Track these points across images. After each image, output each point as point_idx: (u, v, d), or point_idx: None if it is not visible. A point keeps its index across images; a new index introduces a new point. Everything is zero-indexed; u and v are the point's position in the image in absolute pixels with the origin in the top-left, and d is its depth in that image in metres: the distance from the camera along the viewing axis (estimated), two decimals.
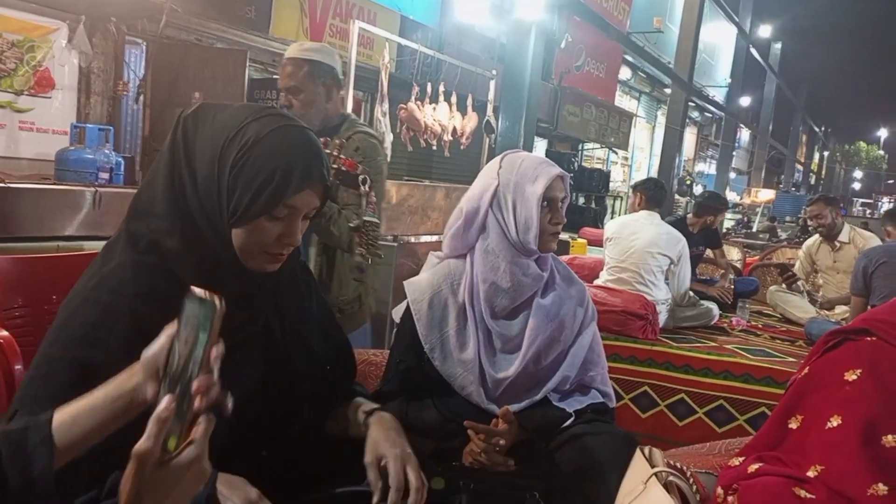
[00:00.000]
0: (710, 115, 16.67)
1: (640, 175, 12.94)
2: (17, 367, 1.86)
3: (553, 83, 8.43)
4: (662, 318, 3.14)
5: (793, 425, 1.12)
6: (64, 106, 4.30)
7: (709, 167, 17.45)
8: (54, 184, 3.28)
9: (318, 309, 1.20)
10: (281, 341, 1.10)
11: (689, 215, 3.93)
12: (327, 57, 2.09)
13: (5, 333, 1.83)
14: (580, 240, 5.78)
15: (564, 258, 4.21)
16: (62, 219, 3.15)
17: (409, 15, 6.39)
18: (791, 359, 2.81)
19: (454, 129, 4.73)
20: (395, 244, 3.45)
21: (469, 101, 5.02)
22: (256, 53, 5.41)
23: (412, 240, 3.87)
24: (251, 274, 1.00)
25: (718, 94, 15.22)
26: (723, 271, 4.07)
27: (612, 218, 10.21)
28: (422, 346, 1.45)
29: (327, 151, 2.02)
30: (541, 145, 9.40)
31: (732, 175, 17.45)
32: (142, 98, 4.74)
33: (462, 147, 4.99)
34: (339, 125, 2.13)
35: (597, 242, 5.47)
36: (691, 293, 3.40)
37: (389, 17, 6.09)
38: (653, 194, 3.34)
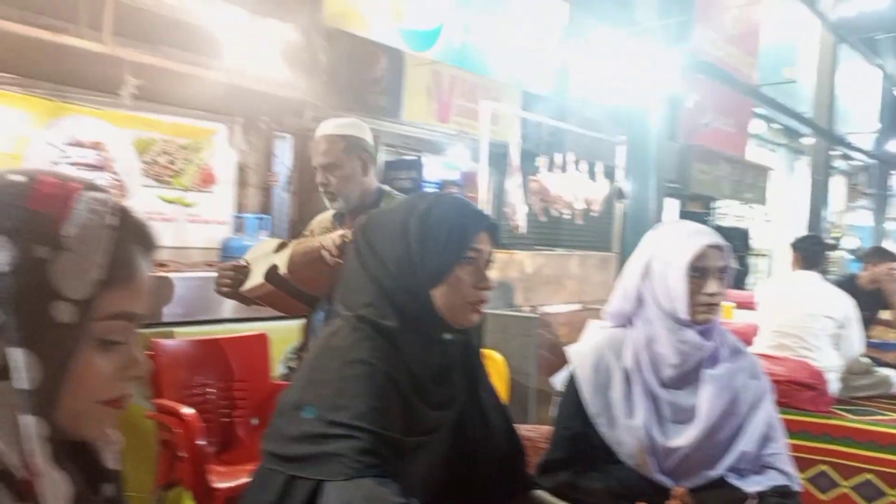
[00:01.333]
0: (860, 164, 15.50)
1: (781, 231, 12.16)
2: (201, 441, 2.01)
3: (680, 143, 8.24)
4: (833, 388, 2.87)
5: None
6: (223, 198, 4.74)
7: (863, 218, 16.09)
8: None
9: (490, 395, 1.25)
10: (469, 419, 1.16)
11: (863, 273, 3.63)
12: (361, 131, 2.09)
13: (191, 411, 2.00)
14: (725, 303, 5.47)
15: None
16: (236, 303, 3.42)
17: (530, 89, 6.54)
18: None
19: (585, 198, 4.72)
20: (535, 315, 3.42)
21: (597, 168, 5.00)
22: (389, 138, 5.73)
23: (549, 310, 3.83)
24: (448, 350, 1.11)
25: (866, 140, 14.18)
26: None
27: (754, 278, 9.59)
28: (587, 411, 1.44)
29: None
30: (672, 206, 9.13)
31: (891, 225, 15.94)
32: (290, 187, 5.15)
33: (593, 214, 4.95)
34: (377, 200, 2.10)
35: (744, 305, 5.15)
36: (866, 359, 3.09)
37: (511, 93, 6.27)
38: (811, 252, 3.13)
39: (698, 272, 1.38)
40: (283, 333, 2.66)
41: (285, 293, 1.96)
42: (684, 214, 8.66)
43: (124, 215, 0.63)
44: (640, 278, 1.43)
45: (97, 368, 0.60)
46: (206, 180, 4.66)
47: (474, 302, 1.10)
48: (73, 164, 4.05)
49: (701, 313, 1.39)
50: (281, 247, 2.03)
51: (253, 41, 4.09)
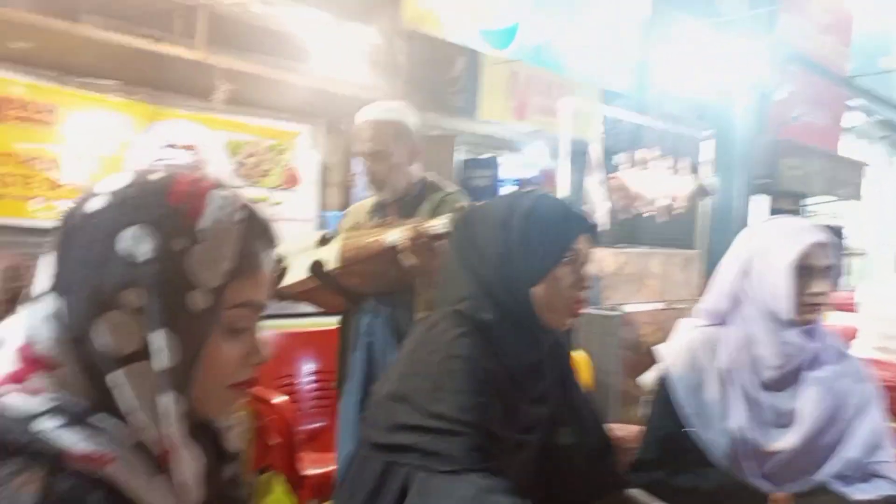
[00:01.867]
0: None
1: (878, 229, 11.44)
2: (293, 429, 2.09)
3: (769, 137, 7.89)
4: None
5: None
6: (307, 197, 4.89)
7: None
8: None
9: (582, 389, 1.26)
10: (559, 416, 1.16)
11: None
12: (408, 117, 1.98)
13: (283, 399, 2.09)
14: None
15: None
16: None
17: (610, 86, 6.43)
18: None
19: (668, 195, 4.59)
20: (618, 313, 3.36)
21: (681, 164, 4.86)
22: (467, 137, 5.76)
23: (630, 309, 3.76)
24: (543, 346, 1.13)
25: None
26: None
27: (849, 279, 9.06)
28: (680, 411, 1.40)
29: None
30: (761, 203, 8.75)
31: None
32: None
33: (678, 212, 4.82)
34: (422, 190, 1.99)
35: (841, 307, 4.88)
36: None
37: (590, 89, 6.17)
38: None
39: (804, 271, 1.34)
40: None
41: (328, 290, 1.89)
42: (774, 212, 8.29)
43: (250, 212, 0.68)
44: (738, 276, 1.38)
45: (225, 354, 0.65)
46: (291, 180, 4.82)
47: (572, 302, 1.12)
48: (168, 165, 4.27)
49: (805, 313, 1.34)
50: (323, 241, 1.94)
51: (336, 45, 4.20)
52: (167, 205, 0.63)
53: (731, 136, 5.68)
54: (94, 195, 0.64)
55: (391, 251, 1.78)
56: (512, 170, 6.27)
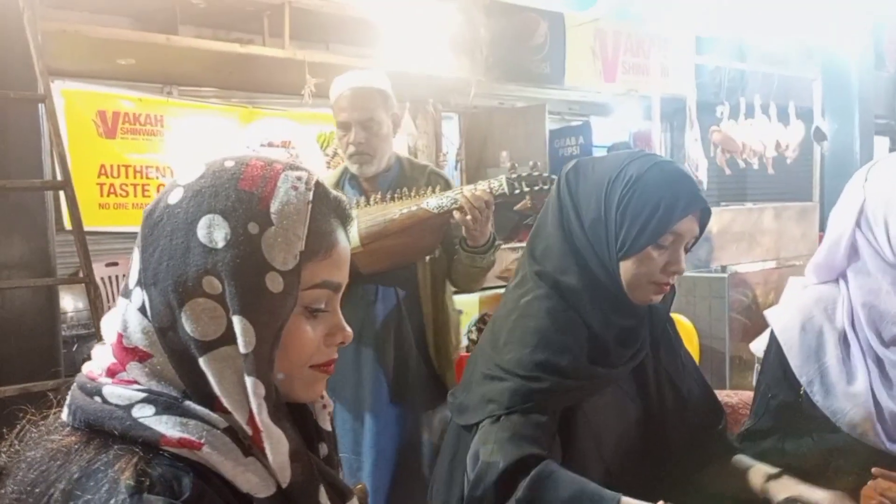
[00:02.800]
0: None
1: None
2: None
3: (889, 71, 7.19)
4: None
5: None
6: None
7: None
8: None
9: (684, 356, 1.20)
10: (654, 383, 1.12)
11: None
12: (388, 85, 1.88)
13: None
14: None
15: None
16: None
17: (704, 32, 6.05)
18: None
19: (777, 144, 4.30)
20: (725, 275, 3.20)
21: (791, 110, 4.52)
22: (554, 105, 5.63)
23: (740, 269, 3.56)
24: (635, 309, 1.08)
25: None
26: None
27: None
28: (796, 378, 1.31)
29: (536, 173, 1.76)
30: (882, 144, 8.03)
31: None
32: (459, 164, 5.26)
33: (788, 161, 4.50)
34: (399, 167, 1.91)
35: None
36: None
37: (684, 39, 5.85)
38: None
39: None
40: (465, 307, 2.73)
41: None
42: None
43: (322, 191, 0.68)
44: (853, 225, 1.26)
45: (306, 334, 0.66)
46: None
47: (659, 283, 1.05)
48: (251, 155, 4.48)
49: None
50: None
51: (416, 26, 4.21)
52: (240, 190, 0.64)
53: (844, 74, 5.22)
54: (173, 189, 0.66)
55: (434, 218, 1.73)
56: (603, 135, 6.08)
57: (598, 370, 1.06)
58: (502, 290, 2.44)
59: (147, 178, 3.85)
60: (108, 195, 3.63)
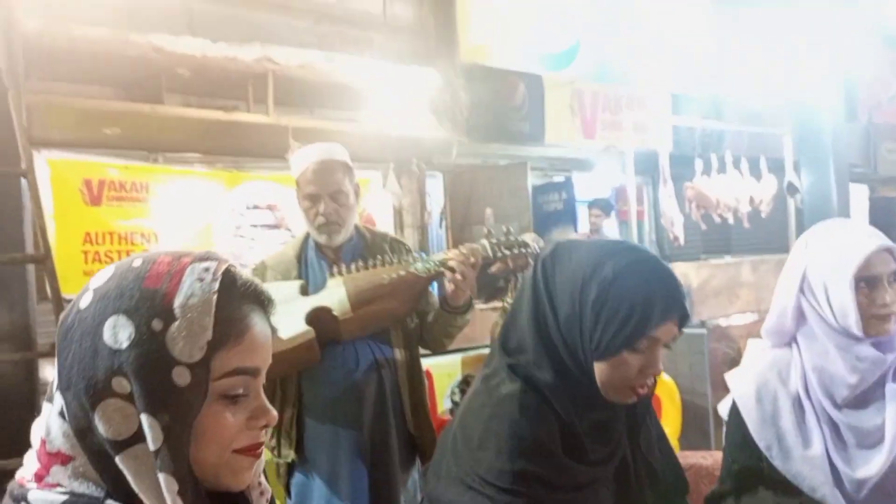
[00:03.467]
0: None
1: None
2: None
3: (862, 121, 7.40)
4: None
5: None
6: None
7: None
8: None
9: (658, 440, 1.19)
10: (634, 475, 1.11)
11: None
12: (348, 157, 1.95)
13: None
14: None
15: None
16: None
17: (679, 91, 6.25)
18: None
19: (750, 198, 4.39)
20: (705, 331, 3.23)
21: (762, 165, 4.64)
22: (536, 162, 5.75)
23: (722, 323, 3.59)
24: (611, 403, 1.04)
25: None
26: None
27: None
28: (755, 443, 1.33)
29: (512, 237, 1.88)
30: (861, 192, 8.18)
31: None
32: (444, 222, 5.33)
33: (763, 215, 4.59)
34: (359, 236, 1.96)
35: None
36: None
37: (660, 98, 6.03)
38: None
39: (867, 282, 1.24)
40: (446, 369, 2.74)
41: (317, 342, 1.77)
42: (876, 201, 7.72)
43: (230, 278, 0.69)
44: (797, 291, 1.30)
45: (224, 422, 0.66)
46: (369, 224, 4.96)
47: (635, 385, 1.01)
48: (253, 225, 4.52)
49: (876, 326, 1.24)
50: (304, 290, 1.84)
51: (398, 90, 4.34)
52: (144, 289, 0.65)
53: (817, 127, 5.37)
54: (84, 293, 0.67)
55: (422, 282, 1.81)
56: (586, 190, 6.19)
57: (579, 468, 1.02)
58: (484, 351, 2.44)
59: (132, 243, 3.89)
60: (92, 262, 3.65)
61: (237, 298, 0.68)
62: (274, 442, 1.92)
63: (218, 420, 0.66)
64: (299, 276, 1.92)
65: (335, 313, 1.77)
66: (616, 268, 0.98)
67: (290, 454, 1.90)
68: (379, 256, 1.87)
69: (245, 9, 4.69)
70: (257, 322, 0.69)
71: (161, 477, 0.62)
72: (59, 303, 2.26)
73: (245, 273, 0.72)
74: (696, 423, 2.97)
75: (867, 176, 7.56)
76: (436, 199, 5.43)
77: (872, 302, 1.22)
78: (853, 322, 1.22)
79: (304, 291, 1.85)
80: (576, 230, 5.52)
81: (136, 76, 3.96)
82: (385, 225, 5.05)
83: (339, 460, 1.88)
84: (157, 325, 0.64)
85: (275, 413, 0.70)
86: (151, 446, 0.62)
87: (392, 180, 5.18)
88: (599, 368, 0.99)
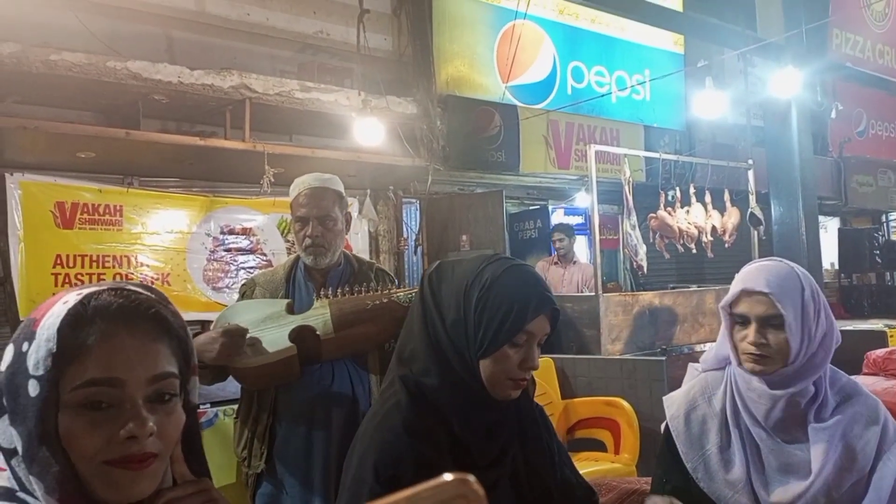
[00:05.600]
0: None
1: None
2: None
3: (831, 156, 7.60)
4: None
5: None
6: None
7: None
8: None
9: (557, 450, 1.24)
10: (526, 482, 1.15)
11: None
12: (342, 188, 2.03)
13: None
14: (887, 328, 4.85)
15: (881, 352, 3.57)
16: None
17: (654, 124, 6.41)
18: None
19: (713, 229, 4.49)
20: (664, 358, 3.28)
21: (726, 197, 4.76)
22: (511, 190, 5.84)
23: (685, 350, 3.65)
24: (498, 404, 1.12)
25: None
26: None
27: None
28: (684, 464, 1.37)
29: None
30: (831, 225, 8.35)
31: None
32: (419, 250, 5.38)
33: (726, 245, 4.69)
34: (346, 262, 2.02)
35: None
36: None
37: (633, 129, 6.18)
38: None
39: (739, 318, 1.31)
40: None
41: (297, 360, 1.81)
42: (846, 233, 7.88)
43: (90, 298, 0.73)
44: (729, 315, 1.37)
45: (79, 431, 0.69)
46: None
47: (516, 379, 1.10)
48: (227, 249, 4.54)
49: (747, 362, 1.30)
50: (290, 309, 1.89)
51: (375, 119, 4.41)
52: (27, 319, 0.75)
53: (786, 161, 5.51)
54: None
55: (402, 310, 1.81)
56: (560, 218, 6.29)
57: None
58: None
59: (104, 266, 3.90)
60: (62, 285, 3.65)
61: (100, 315, 0.72)
62: (245, 453, 1.96)
63: (74, 430, 0.69)
64: (287, 296, 1.98)
65: (318, 333, 1.82)
66: (493, 275, 1.11)
67: (259, 465, 1.93)
68: (364, 284, 1.93)
69: (225, 38, 4.79)
70: (116, 336, 0.72)
71: (34, 482, 0.68)
72: (16, 323, 2.28)
73: (128, 294, 0.75)
74: (655, 449, 3.01)
75: (838, 208, 7.73)
76: (411, 227, 5.48)
77: (743, 339, 1.29)
78: (731, 355, 1.31)
79: (290, 310, 1.89)
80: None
81: (114, 101, 4.01)
82: (361, 250, 5.11)
83: (310, 472, 1.91)
84: (24, 346, 0.72)
85: (142, 427, 0.70)
86: (20, 454, 0.69)
87: (369, 206, 5.24)
88: (484, 365, 1.09)
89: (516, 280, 1.11)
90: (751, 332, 1.29)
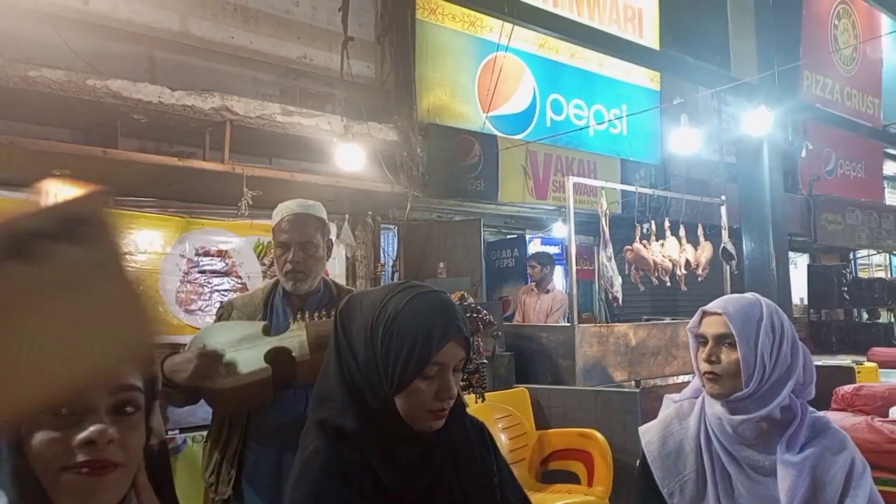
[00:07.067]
0: None
1: None
2: None
3: (802, 193, 7.78)
4: None
5: None
6: None
7: None
8: None
9: (498, 470, 1.21)
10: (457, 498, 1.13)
11: None
12: (325, 215, 2.03)
13: None
14: (868, 364, 4.95)
15: (849, 388, 3.62)
16: None
17: (630, 157, 6.53)
18: None
19: (687, 262, 4.56)
20: (637, 390, 3.30)
21: (700, 231, 4.84)
22: (489, 219, 5.88)
23: (658, 382, 3.68)
24: (424, 437, 1.08)
25: None
26: None
27: None
28: (660, 491, 1.39)
29: (467, 303, 2.02)
30: (801, 261, 8.52)
31: None
32: (396, 275, 5.37)
33: (700, 279, 4.77)
34: (326, 288, 2.02)
35: (892, 364, 4.66)
36: None
37: (610, 163, 6.28)
38: None
39: (701, 339, 1.38)
40: None
41: (272, 382, 1.79)
42: (815, 269, 8.04)
43: None
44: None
45: (43, 438, 0.69)
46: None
47: (434, 410, 1.06)
48: (202, 271, 4.49)
49: (705, 383, 1.36)
50: (266, 331, 1.88)
51: (356, 145, 4.43)
52: None
53: (757, 197, 5.63)
54: None
55: None
56: (537, 248, 6.34)
57: None
58: None
59: None
60: None
61: None
62: (213, 478, 1.91)
63: (35, 437, 0.70)
64: (264, 320, 1.96)
65: (294, 355, 1.81)
66: (396, 307, 1.06)
67: (227, 490, 1.89)
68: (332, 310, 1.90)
69: (208, 60, 4.80)
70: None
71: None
72: None
73: None
74: (628, 482, 3.01)
75: (808, 244, 7.89)
76: (389, 252, 5.48)
77: (703, 360, 1.35)
78: (698, 378, 1.37)
79: (267, 332, 1.88)
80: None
81: (92, 120, 3.98)
82: (338, 275, 5.08)
83: (279, 498, 1.87)
84: None
85: (104, 431, 0.70)
86: None
87: (347, 231, 5.23)
88: (399, 401, 1.05)
89: (419, 310, 1.06)
90: (706, 350, 1.34)
